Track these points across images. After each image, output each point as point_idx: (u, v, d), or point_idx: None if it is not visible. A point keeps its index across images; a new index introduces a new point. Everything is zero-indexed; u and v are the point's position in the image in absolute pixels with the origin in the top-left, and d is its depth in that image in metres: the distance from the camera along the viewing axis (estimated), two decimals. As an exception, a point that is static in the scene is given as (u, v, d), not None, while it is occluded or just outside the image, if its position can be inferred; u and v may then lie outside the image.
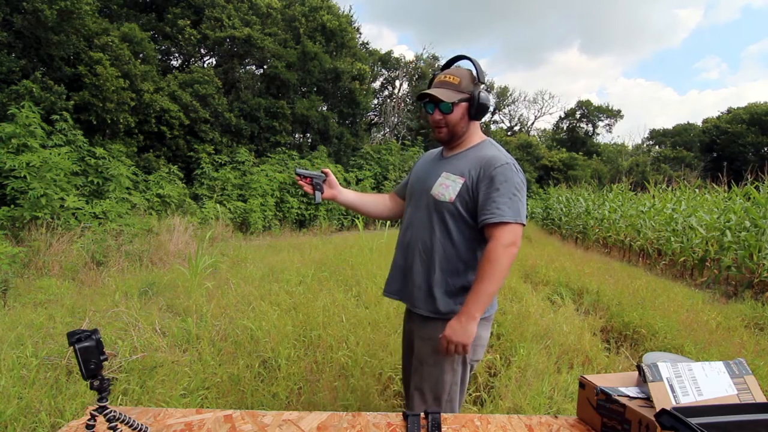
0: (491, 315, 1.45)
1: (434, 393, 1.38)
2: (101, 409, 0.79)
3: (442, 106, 1.38)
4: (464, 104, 1.38)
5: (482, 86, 1.40)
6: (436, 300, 1.39)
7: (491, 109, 1.31)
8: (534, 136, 38.69)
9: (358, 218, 11.23)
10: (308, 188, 1.53)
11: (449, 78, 1.39)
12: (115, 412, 0.81)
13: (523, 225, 1.31)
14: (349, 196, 1.64)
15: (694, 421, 0.73)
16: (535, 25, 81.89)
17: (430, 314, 1.40)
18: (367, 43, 24.08)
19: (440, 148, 1.57)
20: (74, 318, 3.25)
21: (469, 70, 1.42)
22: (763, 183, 7.47)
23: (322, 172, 1.56)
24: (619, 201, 11.65)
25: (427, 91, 1.39)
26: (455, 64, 1.49)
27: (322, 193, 1.54)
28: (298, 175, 1.53)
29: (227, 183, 11.68)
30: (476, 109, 1.38)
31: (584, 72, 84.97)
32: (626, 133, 76.40)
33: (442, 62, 1.58)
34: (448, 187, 1.38)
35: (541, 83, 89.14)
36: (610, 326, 4.01)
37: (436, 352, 1.36)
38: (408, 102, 26.39)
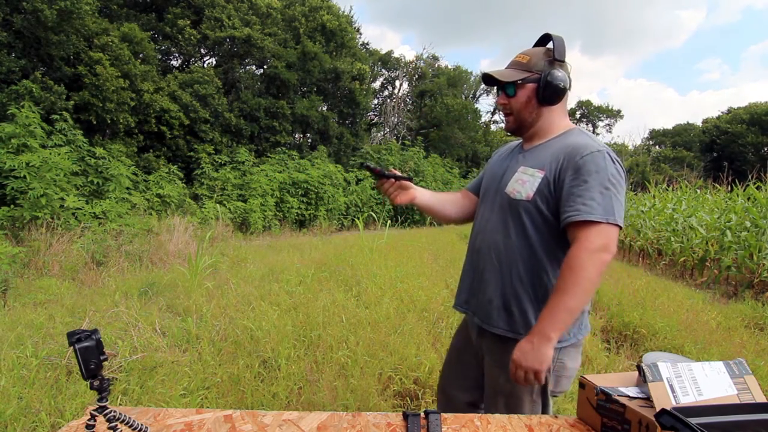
0: (580, 341, 1.20)
1: None
2: (101, 409, 0.79)
3: (506, 88, 1.20)
4: (531, 85, 1.17)
5: (559, 64, 1.18)
6: (513, 316, 1.19)
7: (569, 91, 1.20)
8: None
9: (358, 218, 11.19)
10: (388, 186, 1.30)
11: (520, 57, 1.21)
12: (115, 412, 0.81)
13: (620, 227, 1.06)
14: (426, 196, 1.37)
15: (694, 421, 0.73)
16: (536, 26, 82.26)
17: (505, 333, 1.20)
18: (367, 44, 24.15)
19: (519, 141, 1.35)
20: (74, 318, 3.25)
21: (547, 47, 1.22)
22: (765, 183, 7.47)
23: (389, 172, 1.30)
24: (619, 201, 11.64)
25: (488, 71, 1.20)
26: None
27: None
28: (370, 169, 1.29)
29: (227, 183, 11.68)
30: (545, 91, 1.16)
31: (585, 72, 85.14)
32: (626, 133, 76.68)
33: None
34: (525, 182, 1.17)
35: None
36: (610, 326, 4.01)
37: (511, 380, 1.20)
38: (408, 102, 26.39)
